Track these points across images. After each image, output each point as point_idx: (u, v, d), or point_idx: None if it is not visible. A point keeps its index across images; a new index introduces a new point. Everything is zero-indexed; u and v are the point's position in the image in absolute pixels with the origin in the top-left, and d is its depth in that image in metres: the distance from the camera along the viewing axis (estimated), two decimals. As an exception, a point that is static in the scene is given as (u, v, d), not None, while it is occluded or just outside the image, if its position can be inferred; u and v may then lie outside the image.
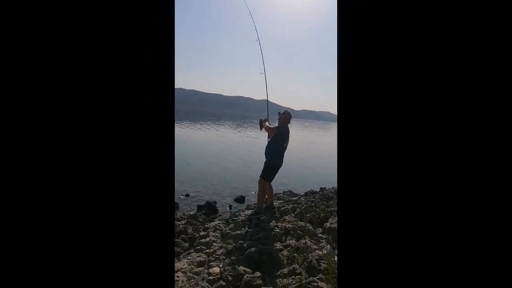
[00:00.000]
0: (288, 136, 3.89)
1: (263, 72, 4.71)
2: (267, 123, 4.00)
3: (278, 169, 3.93)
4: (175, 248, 3.16)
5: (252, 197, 6.17)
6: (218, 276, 2.09)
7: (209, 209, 5.11)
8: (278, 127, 3.84)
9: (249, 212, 4.34)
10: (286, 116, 3.91)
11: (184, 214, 4.82)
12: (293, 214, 4.07)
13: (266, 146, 3.94)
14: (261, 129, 4.07)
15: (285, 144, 3.85)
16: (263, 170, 3.91)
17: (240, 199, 6.18)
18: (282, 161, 3.92)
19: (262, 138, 4.07)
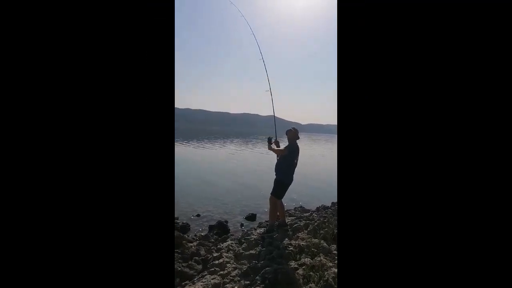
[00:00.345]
0: (298, 153, 3.89)
1: (269, 89, 4.79)
2: (274, 146, 4.01)
3: (289, 186, 3.91)
4: (189, 271, 3.13)
5: (263, 214, 6.10)
6: (234, 299, 2.06)
7: (220, 229, 5.06)
8: (288, 146, 3.86)
9: (261, 230, 4.28)
10: (294, 133, 3.93)
11: (196, 235, 4.78)
12: (306, 231, 4.00)
13: (276, 164, 3.95)
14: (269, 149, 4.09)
15: (295, 161, 3.85)
16: (273, 187, 3.90)
17: (251, 217, 6.11)
18: (293, 178, 3.90)
19: (271, 154, 4.08)
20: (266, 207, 6.00)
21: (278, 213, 4.05)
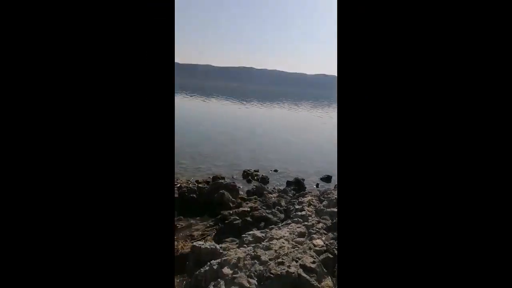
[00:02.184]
0: None
1: None
2: None
3: None
4: (272, 217, 3.36)
5: (340, 178, 5.97)
6: (324, 248, 2.13)
7: (297, 186, 5.21)
8: None
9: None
10: None
11: (274, 188, 5.06)
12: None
13: None
14: None
15: None
16: None
17: (327, 179, 6.07)
18: None
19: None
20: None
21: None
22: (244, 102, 27.38)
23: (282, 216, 3.41)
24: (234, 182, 4.79)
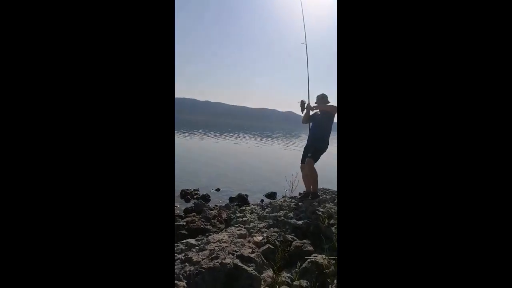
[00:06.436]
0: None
1: (307, 73, 4.45)
2: (313, 106, 3.78)
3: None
4: (211, 228, 3.01)
5: (285, 193, 5.93)
6: (264, 240, 1.90)
7: (241, 201, 4.95)
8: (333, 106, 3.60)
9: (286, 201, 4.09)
10: (325, 98, 3.72)
11: (215, 206, 4.69)
12: (333, 203, 3.78)
13: (315, 133, 3.69)
14: (302, 112, 3.85)
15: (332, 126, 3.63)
16: (312, 152, 3.63)
17: (272, 195, 5.94)
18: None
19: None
20: (286, 188, 5.82)
21: (311, 186, 3.80)
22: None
23: (223, 226, 3.09)
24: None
